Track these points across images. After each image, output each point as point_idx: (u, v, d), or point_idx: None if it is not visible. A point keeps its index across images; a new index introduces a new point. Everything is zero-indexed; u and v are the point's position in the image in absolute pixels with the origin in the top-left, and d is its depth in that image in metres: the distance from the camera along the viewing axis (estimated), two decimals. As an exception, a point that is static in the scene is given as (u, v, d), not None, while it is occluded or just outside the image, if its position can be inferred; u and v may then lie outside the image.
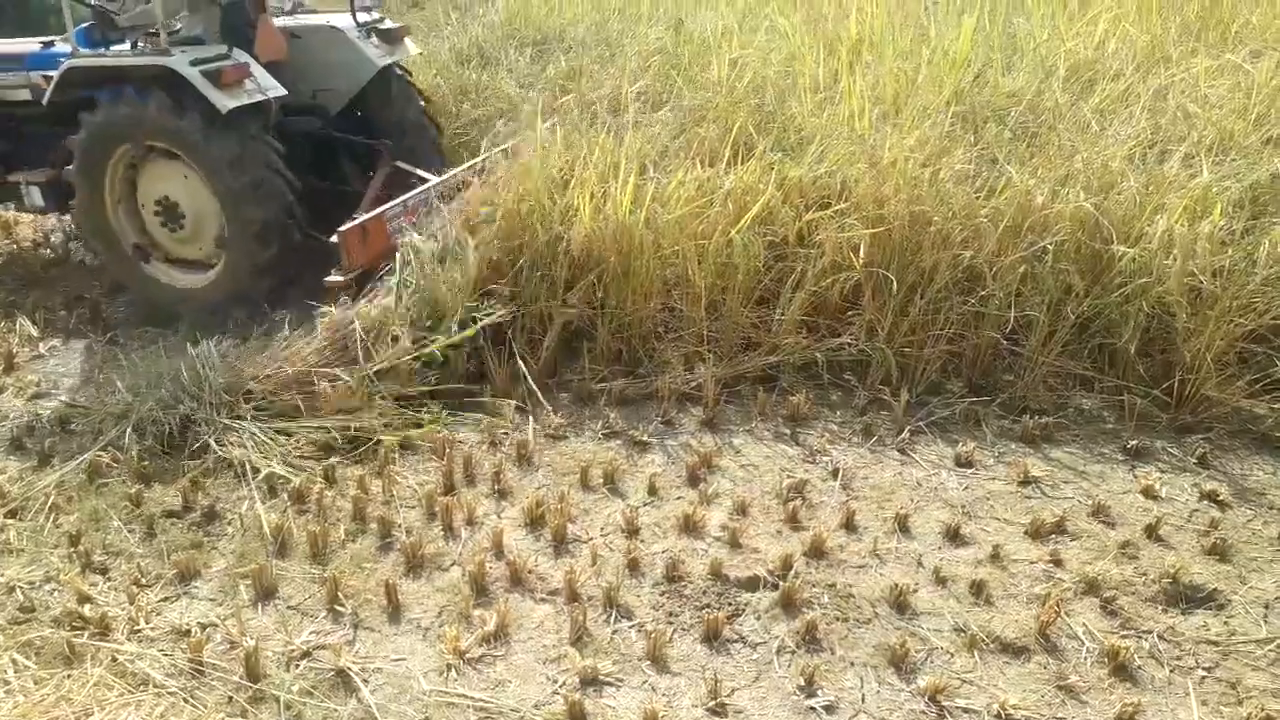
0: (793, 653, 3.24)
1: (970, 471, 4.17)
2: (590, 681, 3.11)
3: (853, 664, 3.19)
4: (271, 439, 4.28)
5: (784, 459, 4.28)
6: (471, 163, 5.86)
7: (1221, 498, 3.95)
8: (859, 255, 4.68)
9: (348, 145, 6.58)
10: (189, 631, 3.34)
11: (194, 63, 5.22)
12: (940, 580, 3.51)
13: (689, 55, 7.45)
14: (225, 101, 5.24)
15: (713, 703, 3.01)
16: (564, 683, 3.11)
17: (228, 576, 3.65)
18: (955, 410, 4.56)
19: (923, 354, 4.71)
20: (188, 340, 4.88)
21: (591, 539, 3.78)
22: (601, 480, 4.12)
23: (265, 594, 3.54)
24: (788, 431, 4.47)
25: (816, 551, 3.67)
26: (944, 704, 3.00)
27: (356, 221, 5.09)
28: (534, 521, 3.86)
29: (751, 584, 3.54)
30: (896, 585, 3.43)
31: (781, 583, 3.48)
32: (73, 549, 3.78)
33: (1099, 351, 4.73)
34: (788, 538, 3.77)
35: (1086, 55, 6.61)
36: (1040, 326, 4.59)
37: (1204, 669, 3.14)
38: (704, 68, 6.95)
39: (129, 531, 3.90)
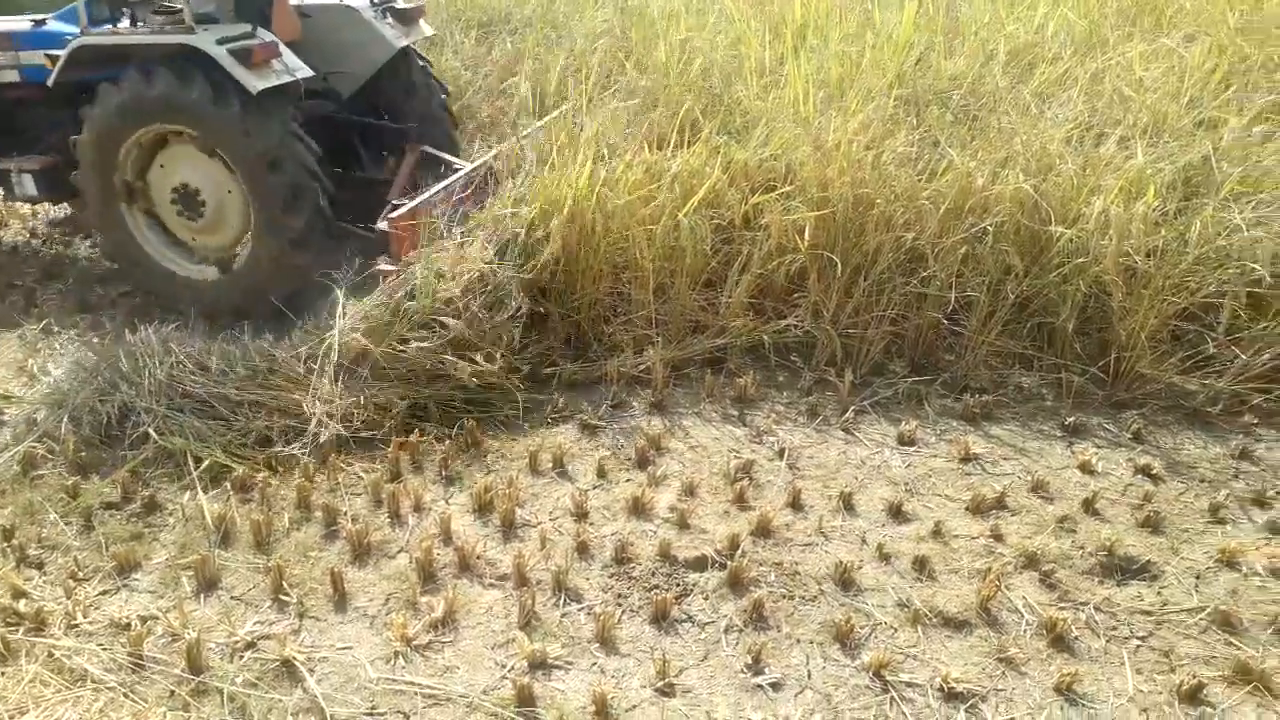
0: (740, 631, 3.27)
1: (913, 450, 4.24)
2: (539, 665, 3.11)
3: (799, 641, 3.23)
4: (211, 427, 4.20)
5: (731, 440, 4.31)
6: (496, 150, 5.68)
7: (1155, 472, 4.06)
8: (804, 238, 4.72)
9: (368, 130, 6.30)
10: (129, 625, 3.28)
11: (220, 41, 4.93)
12: (884, 557, 3.57)
13: (635, 38, 7.43)
14: (255, 82, 4.94)
15: (661, 683, 3.03)
16: (513, 667, 3.11)
17: (169, 568, 3.58)
18: (898, 390, 4.63)
19: (866, 335, 4.76)
20: (127, 327, 4.77)
21: (540, 523, 3.77)
22: (550, 464, 4.12)
23: (208, 585, 3.48)
24: (735, 413, 4.50)
25: (763, 531, 3.70)
26: (888, 678, 3.05)
27: (405, 209, 4.87)
28: (482, 507, 3.84)
29: (699, 564, 3.57)
30: (841, 562, 3.48)
31: (729, 562, 3.51)
32: (6, 543, 3.68)
33: (1038, 331, 4.83)
34: (735, 518, 3.80)
35: (1026, 39, 6.70)
36: (981, 306, 4.67)
37: (1138, 638, 3.23)
38: (651, 51, 6.94)
39: (65, 524, 3.81)
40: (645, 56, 6.88)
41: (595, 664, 3.14)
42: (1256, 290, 4.44)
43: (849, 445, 4.28)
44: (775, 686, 3.05)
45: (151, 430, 4.17)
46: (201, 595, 3.45)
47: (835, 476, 4.06)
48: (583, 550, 3.61)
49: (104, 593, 3.47)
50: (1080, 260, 4.58)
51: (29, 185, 5.95)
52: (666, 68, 6.46)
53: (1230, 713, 2.93)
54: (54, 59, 5.38)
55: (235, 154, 5.15)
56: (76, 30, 5.75)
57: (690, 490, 3.93)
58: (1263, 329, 4.44)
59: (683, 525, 3.75)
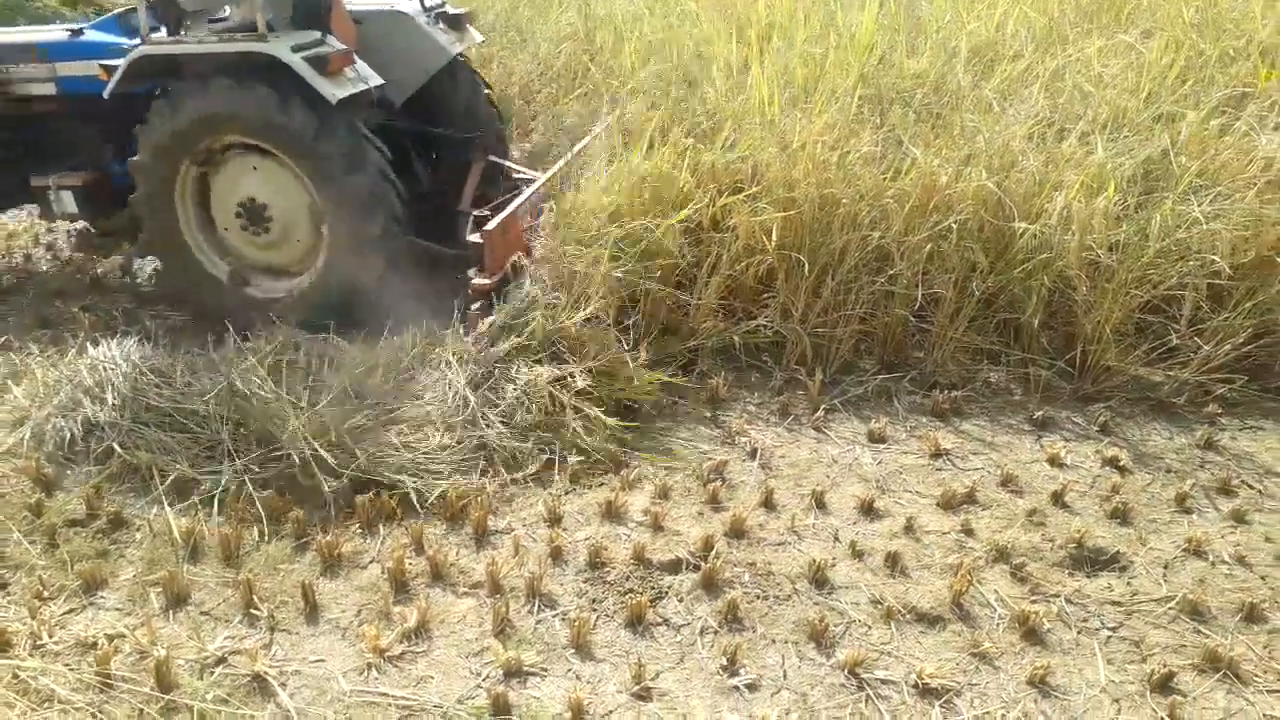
0: (715, 633, 3.27)
1: (883, 447, 4.26)
2: (514, 673, 3.09)
3: (774, 641, 3.24)
4: (178, 440, 4.14)
5: (704, 441, 4.31)
6: (567, 159, 5.56)
7: (1122, 463, 4.10)
8: (771, 238, 4.73)
9: (425, 139, 6.09)
10: (95, 644, 3.22)
11: (295, 49, 4.76)
12: (857, 554, 3.59)
13: (600, 41, 7.43)
14: (333, 90, 4.78)
15: (637, 687, 3.03)
16: (487, 675, 3.09)
17: (136, 585, 3.52)
18: (868, 387, 4.66)
19: (835, 333, 4.78)
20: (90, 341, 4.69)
21: (514, 530, 3.75)
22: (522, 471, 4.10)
23: (176, 601, 3.43)
24: (707, 414, 4.51)
25: (736, 531, 3.71)
26: (863, 676, 3.06)
27: (498, 221, 4.74)
28: (455, 515, 3.81)
29: (674, 567, 3.57)
30: (815, 561, 3.49)
31: (703, 564, 3.51)
32: (-32, 564, 3.61)
33: (1004, 326, 4.87)
34: (708, 519, 3.80)
35: (987, 36, 6.76)
36: (947, 303, 4.71)
37: (1109, 629, 3.26)
38: (616, 54, 6.94)
39: (29, 543, 3.74)
40: (612, 60, 6.87)
41: (570, 670, 3.13)
42: (1216, 282, 4.50)
43: (820, 444, 4.30)
44: (751, 687, 3.05)
45: (116, 445, 4.11)
46: (170, 611, 3.40)
47: (807, 475, 4.07)
48: (556, 556, 3.59)
49: (70, 611, 3.41)
50: (1044, 256, 4.63)
51: (69, 203, 5.72)
52: (631, 71, 6.47)
53: (1200, 700, 2.96)
54: (109, 70, 5.15)
55: (309, 164, 4.98)
56: (117, 40, 5.59)
57: (663, 493, 3.93)
58: (1224, 320, 4.50)
59: (656, 528, 3.74)
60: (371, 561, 3.63)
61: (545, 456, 4.08)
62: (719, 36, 6.73)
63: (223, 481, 3.94)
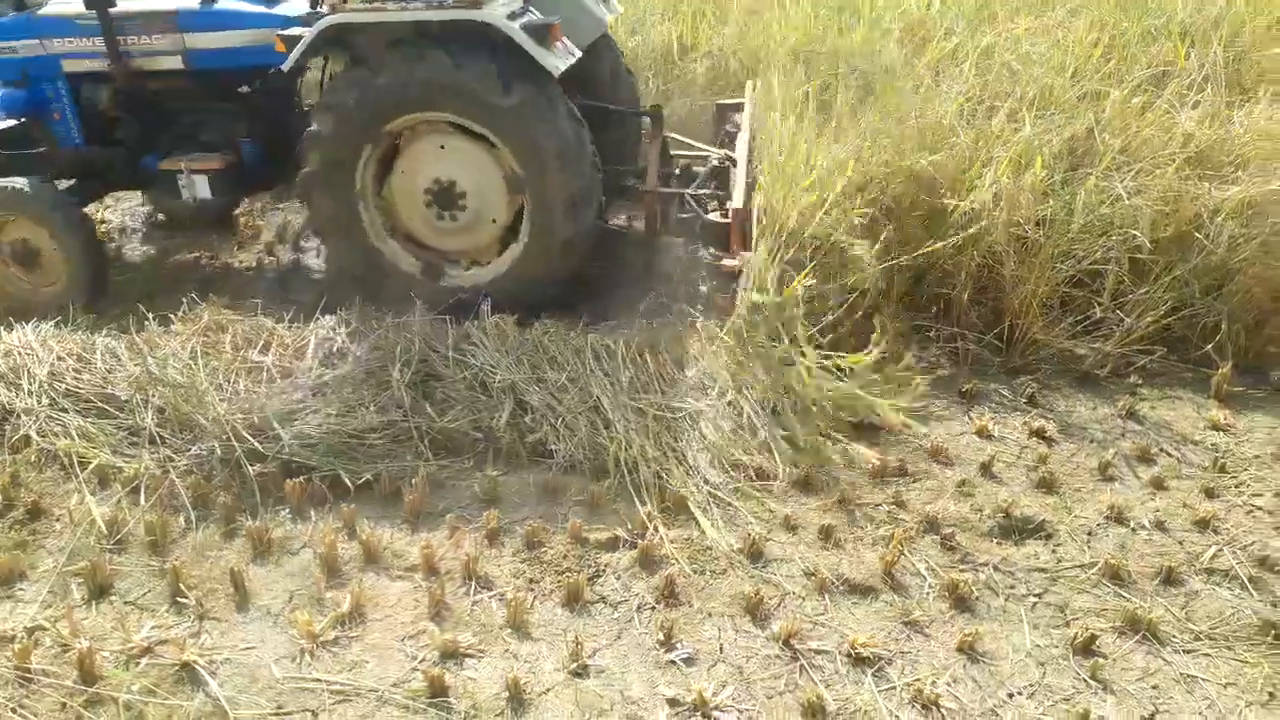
0: (653, 609, 3.28)
1: (819, 422, 4.30)
2: (451, 655, 3.07)
3: (710, 615, 3.26)
4: (99, 426, 4.02)
5: (641, 420, 4.31)
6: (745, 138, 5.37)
7: (1048, 434, 4.20)
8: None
9: (598, 115, 5.52)
10: (14, 637, 3.12)
11: (510, 17, 4.48)
12: (791, 528, 3.62)
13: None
14: (554, 62, 4.51)
15: (575, 665, 3.03)
16: (423, 658, 3.06)
17: (57, 576, 3.42)
18: (804, 364, 4.69)
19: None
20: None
21: (448, 511, 3.72)
22: (454, 451, 4.06)
23: (99, 591, 3.34)
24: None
25: (675, 508, 3.72)
26: (797, 646, 3.10)
27: (738, 198, 4.56)
28: (389, 497, 3.77)
29: (611, 544, 3.57)
30: (750, 535, 3.52)
31: (640, 541, 3.51)
32: (-124, 559, 3.47)
33: (936, 301, 4.94)
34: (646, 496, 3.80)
35: (919, 15, 6.83)
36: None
37: (1035, 595, 3.34)
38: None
39: (-58, 536, 3.61)
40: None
41: (508, 650, 3.12)
42: (1138, 256, 4.61)
43: (756, 420, 4.32)
44: (688, 661, 3.07)
45: (33, 432, 3.98)
46: (93, 603, 3.31)
47: (744, 451, 4.09)
48: (493, 537, 3.57)
49: (-14, 605, 3.31)
50: (974, 231, 4.69)
51: (202, 187, 5.37)
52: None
53: (1121, 662, 3.05)
54: (288, 40, 4.83)
55: (521, 142, 4.68)
56: (254, 9, 5.29)
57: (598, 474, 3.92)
58: (1144, 293, 4.61)
59: (594, 506, 3.74)
60: (303, 547, 3.57)
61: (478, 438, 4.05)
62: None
63: (146, 468, 3.84)
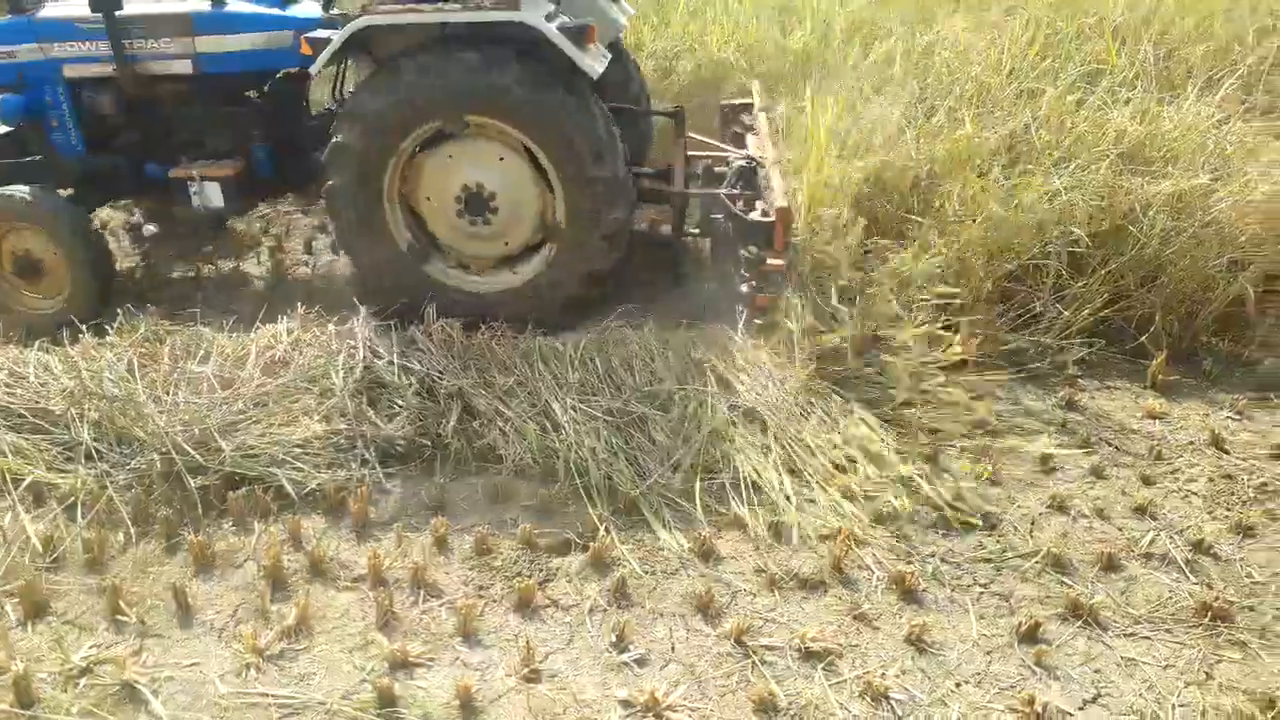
0: (604, 611, 3.28)
1: (768, 420, 4.32)
2: (400, 665, 3.03)
3: (662, 615, 3.26)
4: (33, 442, 3.92)
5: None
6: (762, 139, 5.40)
7: (992, 425, 4.25)
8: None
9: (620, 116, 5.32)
10: (-55, 662, 3.03)
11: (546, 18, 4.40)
12: (742, 525, 3.64)
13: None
14: (592, 64, 4.44)
15: (526, 670, 3.01)
16: (372, 669, 3.02)
17: (-10, 597, 3.33)
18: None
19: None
20: None
21: (396, 520, 3.68)
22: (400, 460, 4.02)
23: (35, 611, 3.25)
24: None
25: (626, 509, 3.72)
26: (748, 643, 3.11)
27: (778, 195, 4.53)
28: (333, 508, 3.72)
29: (562, 548, 3.56)
30: (701, 535, 3.53)
31: (591, 544, 3.51)
32: None
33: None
34: (597, 498, 3.79)
35: (860, 15, 6.91)
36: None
37: (980, 585, 3.39)
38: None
39: None
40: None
41: (458, 658, 3.09)
42: (1076, 250, 4.71)
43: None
44: (640, 662, 3.07)
45: (-37, 450, 3.86)
46: (29, 623, 3.22)
47: (694, 451, 4.10)
48: (442, 545, 3.54)
49: (-85, 630, 3.20)
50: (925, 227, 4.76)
51: (214, 195, 5.17)
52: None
53: (1064, 647, 3.11)
54: (314, 43, 4.68)
55: (558, 142, 4.59)
56: (268, 11, 5.13)
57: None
58: (1082, 287, 4.71)
59: (545, 511, 3.73)
60: (247, 559, 3.51)
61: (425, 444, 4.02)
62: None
63: (83, 484, 3.74)
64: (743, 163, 5.11)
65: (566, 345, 4.44)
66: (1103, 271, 4.71)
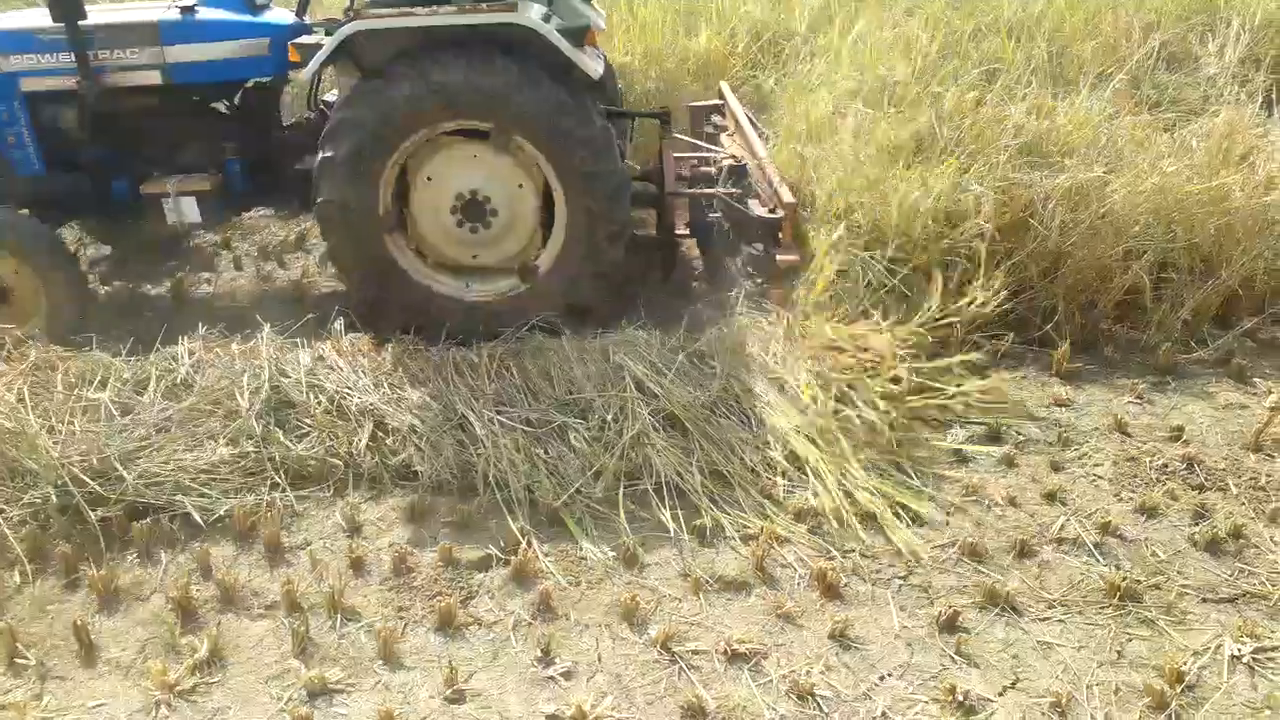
0: (529, 625, 3.23)
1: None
2: (319, 692, 2.95)
3: (588, 626, 3.23)
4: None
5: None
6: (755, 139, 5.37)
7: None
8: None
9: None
10: None
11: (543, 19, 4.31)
12: (663, 528, 3.62)
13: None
14: (593, 65, 4.36)
15: (450, 690, 2.95)
16: (290, 698, 2.93)
17: None
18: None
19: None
20: None
21: (310, 544, 3.58)
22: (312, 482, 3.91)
23: (-78, 661, 3.08)
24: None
25: (551, 520, 3.68)
26: (675, 649, 3.10)
27: (784, 193, 4.53)
28: (244, 534, 3.59)
29: (484, 564, 3.50)
30: (625, 542, 3.51)
31: (513, 558, 3.46)
32: None
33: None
34: (517, 511, 3.73)
35: (763, 17, 6.98)
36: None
37: (900, 578, 3.44)
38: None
39: None
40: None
41: (379, 682, 3.01)
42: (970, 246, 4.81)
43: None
44: (567, 675, 3.04)
45: None
46: (-85, 674, 3.05)
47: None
48: (358, 567, 3.45)
49: None
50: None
51: (190, 210, 4.93)
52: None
53: (983, 635, 3.17)
54: (304, 49, 4.49)
55: (556, 143, 4.50)
56: (240, 18, 4.93)
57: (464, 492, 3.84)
58: (988, 279, 4.80)
59: (464, 526, 3.66)
60: (154, 592, 3.37)
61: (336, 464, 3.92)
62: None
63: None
64: (731, 161, 5.14)
65: (482, 356, 4.38)
66: (1007, 264, 4.82)
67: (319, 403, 4.04)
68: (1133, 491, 3.83)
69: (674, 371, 4.23)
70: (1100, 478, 3.93)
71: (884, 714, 2.88)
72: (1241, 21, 6.73)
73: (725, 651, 3.09)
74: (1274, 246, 4.92)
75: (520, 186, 4.73)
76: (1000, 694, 2.94)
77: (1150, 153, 5.08)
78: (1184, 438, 4.15)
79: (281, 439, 3.90)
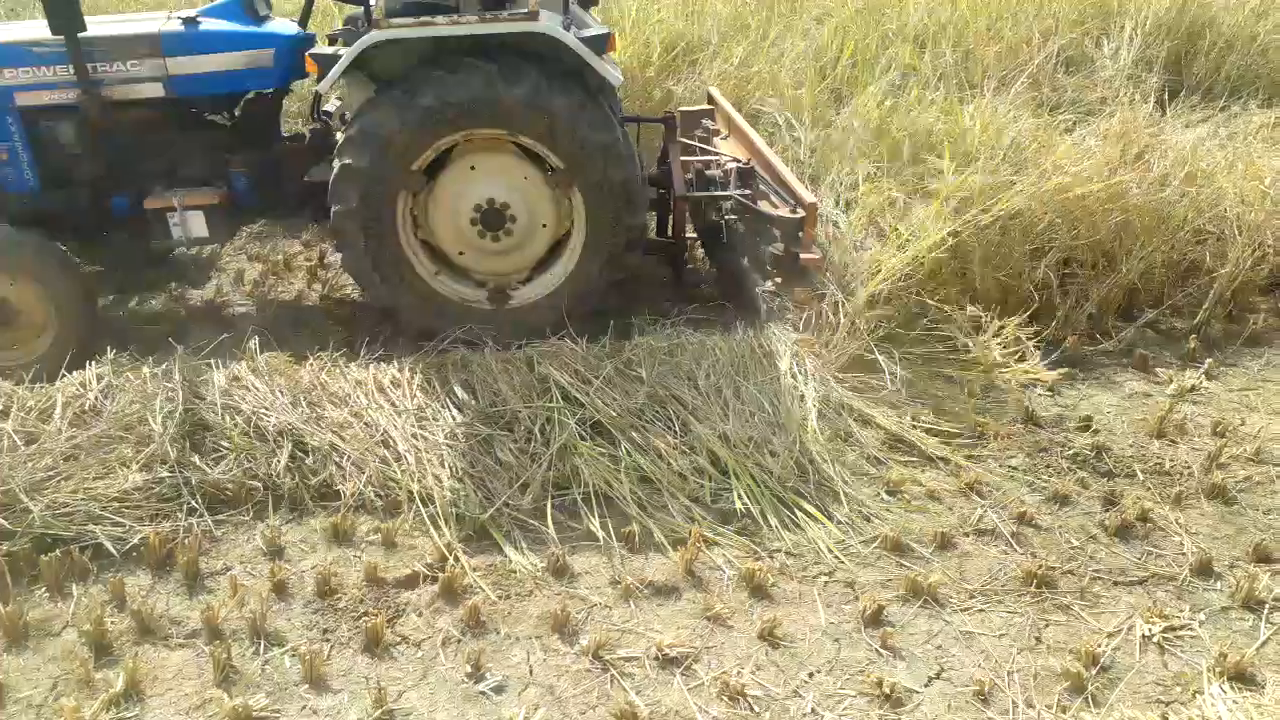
0: (458, 641, 3.20)
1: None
2: (243, 721, 2.88)
3: (518, 639, 3.21)
4: None
5: (433, 448, 4.20)
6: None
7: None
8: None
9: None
10: None
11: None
12: (593, 537, 3.63)
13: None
14: (614, 72, 4.41)
15: (379, 711, 2.90)
16: (212, 729, 2.86)
17: None
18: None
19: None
20: None
21: (230, 569, 3.49)
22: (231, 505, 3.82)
23: None
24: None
25: (476, 535, 3.65)
26: (606, 657, 3.10)
27: (804, 193, 4.55)
28: (160, 562, 3.49)
29: (411, 581, 3.46)
30: (554, 552, 3.50)
31: (441, 574, 3.42)
32: None
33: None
34: (443, 527, 3.70)
35: (678, 27, 7.05)
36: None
37: (825, 575, 3.49)
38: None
39: None
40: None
41: (306, 706, 2.95)
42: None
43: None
44: (498, 690, 3.01)
45: None
46: None
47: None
48: (280, 590, 3.38)
49: None
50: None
51: (197, 226, 4.80)
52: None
53: (907, 627, 3.24)
54: (320, 60, 4.38)
55: (577, 150, 4.52)
56: (246, 29, 4.77)
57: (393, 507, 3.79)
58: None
59: (389, 545, 3.61)
60: (65, 626, 3.25)
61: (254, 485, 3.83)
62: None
63: None
64: (739, 164, 5.18)
65: (404, 371, 4.32)
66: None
67: (235, 424, 3.94)
68: (1045, 481, 3.96)
69: (601, 379, 4.23)
70: (1015, 469, 4.05)
71: (813, 711, 2.92)
72: (1134, 25, 7.03)
73: (657, 657, 3.10)
74: (1170, 241, 5.13)
75: (544, 202, 4.79)
76: (926, 685, 3.01)
77: (1054, 154, 5.26)
78: (1093, 427, 4.30)
79: (197, 463, 3.80)
